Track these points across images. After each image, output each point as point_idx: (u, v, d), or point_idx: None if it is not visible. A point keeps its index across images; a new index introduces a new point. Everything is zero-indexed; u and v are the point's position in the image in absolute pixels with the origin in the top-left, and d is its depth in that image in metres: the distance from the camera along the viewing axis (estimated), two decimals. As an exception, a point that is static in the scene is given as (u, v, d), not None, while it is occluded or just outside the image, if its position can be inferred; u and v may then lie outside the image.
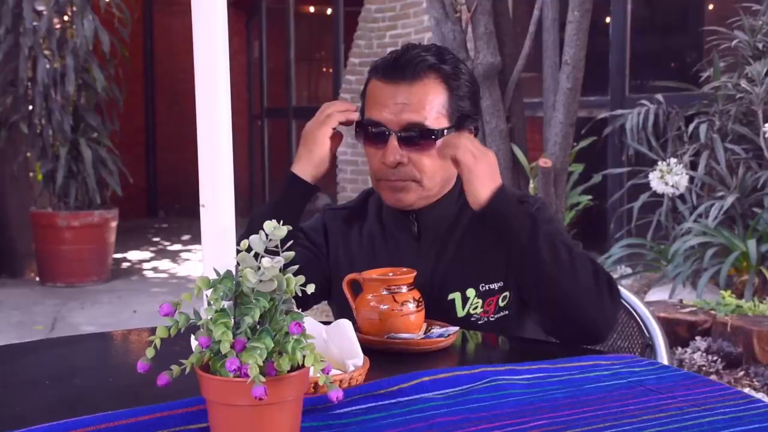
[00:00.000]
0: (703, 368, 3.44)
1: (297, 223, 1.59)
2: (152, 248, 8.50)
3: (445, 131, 1.53)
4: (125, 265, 7.46)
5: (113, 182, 6.45)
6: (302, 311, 0.90)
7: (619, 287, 1.48)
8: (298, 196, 1.57)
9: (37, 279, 6.54)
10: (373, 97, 1.56)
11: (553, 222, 1.55)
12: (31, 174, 6.79)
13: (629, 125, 4.95)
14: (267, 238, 0.88)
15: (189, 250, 8.37)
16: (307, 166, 1.57)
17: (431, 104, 1.52)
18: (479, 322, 1.55)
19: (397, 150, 1.52)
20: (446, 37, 3.82)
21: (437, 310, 1.47)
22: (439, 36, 3.92)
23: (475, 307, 1.55)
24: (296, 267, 0.90)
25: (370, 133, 1.55)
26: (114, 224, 6.61)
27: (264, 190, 9.56)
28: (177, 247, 8.64)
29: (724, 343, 3.54)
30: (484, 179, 1.45)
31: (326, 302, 1.73)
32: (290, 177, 1.58)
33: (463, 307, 1.55)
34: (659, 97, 5.05)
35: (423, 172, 1.54)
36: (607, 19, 5.75)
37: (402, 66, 1.52)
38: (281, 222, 0.89)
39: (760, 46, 4.49)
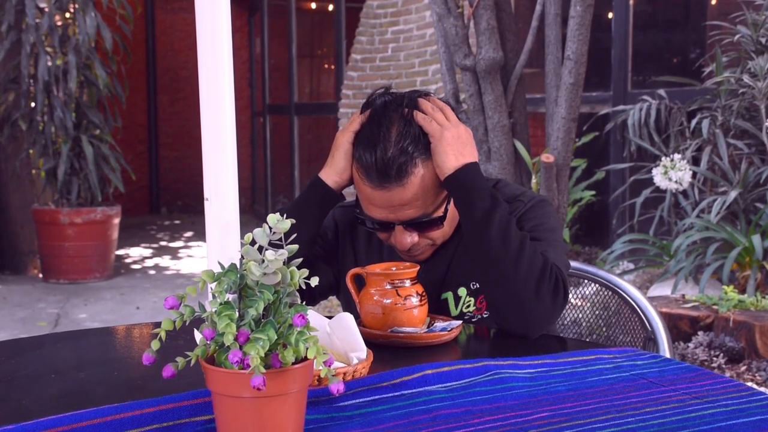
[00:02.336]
0: (705, 363, 3.45)
1: (316, 228, 1.58)
2: (154, 245, 8.51)
3: (446, 202, 1.52)
4: (128, 261, 7.47)
5: (115, 179, 6.45)
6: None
7: (568, 295, 1.46)
8: (318, 200, 1.56)
9: (40, 276, 6.55)
10: (366, 196, 1.51)
11: (539, 223, 1.52)
12: (33, 171, 6.80)
13: (631, 121, 4.95)
14: (271, 231, 0.89)
15: (191, 247, 8.38)
16: (330, 171, 1.55)
17: (427, 192, 1.48)
18: (473, 320, 1.56)
19: (407, 236, 1.52)
20: (448, 33, 3.82)
21: (431, 310, 1.47)
22: (441, 31, 3.92)
23: (468, 305, 1.56)
24: (300, 260, 0.91)
25: (374, 225, 1.54)
26: (116, 221, 6.62)
27: (266, 187, 9.55)
28: (179, 243, 8.65)
29: (727, 338, 3.54)
30: (450, 149, 1.45)
31: (329, 297, 1.73)
32: (314, 180, 1.57)
33: (456, 306, 1.56)
34: (661, 92, 5.05)
35: (436, 239, 1.56)
36: (610, 15, 5.75)
37: (386, 171, 1.45)
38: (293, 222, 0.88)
39: (763, 40, 4.48)
